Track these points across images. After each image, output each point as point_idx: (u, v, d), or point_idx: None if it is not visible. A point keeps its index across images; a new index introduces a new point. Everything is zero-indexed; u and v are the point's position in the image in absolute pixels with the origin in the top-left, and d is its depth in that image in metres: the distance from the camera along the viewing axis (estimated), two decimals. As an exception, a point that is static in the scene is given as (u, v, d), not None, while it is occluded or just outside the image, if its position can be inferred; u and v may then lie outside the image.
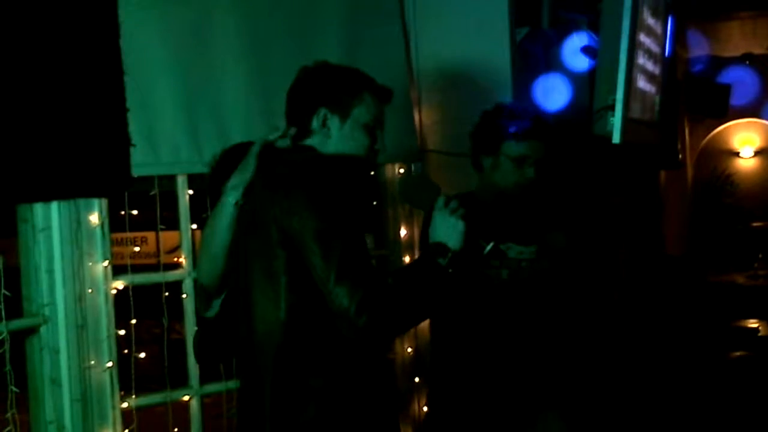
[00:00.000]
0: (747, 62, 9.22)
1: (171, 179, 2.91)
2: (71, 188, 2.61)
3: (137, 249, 3.06)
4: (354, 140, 2.15)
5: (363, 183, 2.23)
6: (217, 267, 2.16)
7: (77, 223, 2.69)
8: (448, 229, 2.12)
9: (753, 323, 6.96)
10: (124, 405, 2.79)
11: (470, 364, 2.73)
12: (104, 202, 2.73)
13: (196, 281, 2.31)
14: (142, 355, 2.86)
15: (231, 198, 2.12)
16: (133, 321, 2.84)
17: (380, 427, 2.12)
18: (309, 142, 2.15)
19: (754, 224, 10.50)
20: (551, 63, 4.18)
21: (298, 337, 2.01)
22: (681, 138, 8.75)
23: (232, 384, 3.04)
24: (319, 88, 2.16)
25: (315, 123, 2.14)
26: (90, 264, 2.71)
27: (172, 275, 2.93)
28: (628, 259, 5.87)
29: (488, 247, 2.25)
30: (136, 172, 2.73)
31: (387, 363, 2.29)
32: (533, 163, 2.69)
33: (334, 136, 2.14)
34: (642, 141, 4.31)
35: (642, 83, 4.09)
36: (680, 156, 8.11)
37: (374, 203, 3.40)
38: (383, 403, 2.13)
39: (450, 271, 2.10)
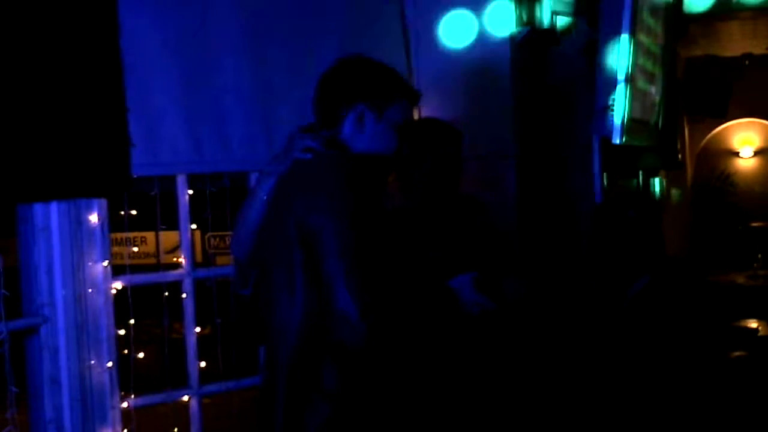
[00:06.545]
0: (747, 62, 9.20)
1: (171, 179, 2.91)
2: (71, 188, 2.61)
3: (136, 249, 3.06)
4: (385, 139, 2.17)
5: (384, 185, 2.24)
6: (247, 243, 2.22)
7: (77, 223, 2.68)
8: (465, 293, 2.16)
9: (753, 323, 6.94)
10: (124, 405, 2.79)
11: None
12: (104, 202, 2.73)
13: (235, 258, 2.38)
14: (142, 355, 2.86)
15: (263, 187, 2.17)
16: (131, 321, 2.84)
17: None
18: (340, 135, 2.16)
19: (754, 224, 10.49)
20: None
21: (312, 337, 1.99)
22: (681, 138, 8.74)
23: (232, 384, 3.05)
24: (359, 83, 2.17)
25: (351, 117, 2.15)
26: (89, 264, 2.71)
27: (172, 275, 2.93)
28: (629, 262, 5.86)
29: None
30: (136, 173, 2.73)
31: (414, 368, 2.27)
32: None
33: (368, 133, 2.16)
34: (642, 141, 4.31)
35: (642, 83, 4.09)
36: (680, 156, 8.10)
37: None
38: (402, 408, 2.10)
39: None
